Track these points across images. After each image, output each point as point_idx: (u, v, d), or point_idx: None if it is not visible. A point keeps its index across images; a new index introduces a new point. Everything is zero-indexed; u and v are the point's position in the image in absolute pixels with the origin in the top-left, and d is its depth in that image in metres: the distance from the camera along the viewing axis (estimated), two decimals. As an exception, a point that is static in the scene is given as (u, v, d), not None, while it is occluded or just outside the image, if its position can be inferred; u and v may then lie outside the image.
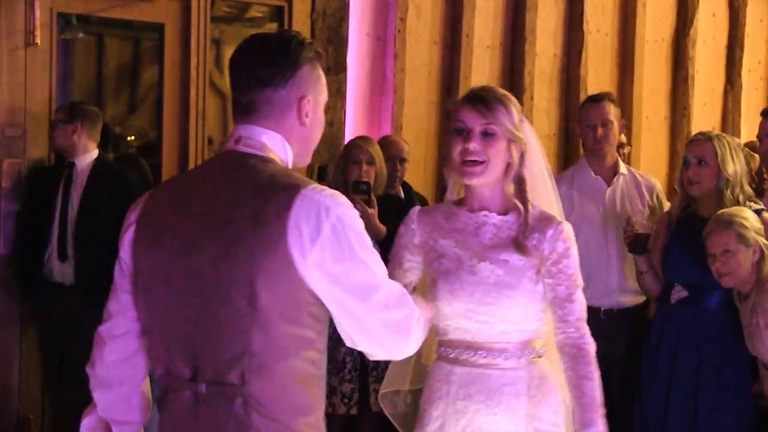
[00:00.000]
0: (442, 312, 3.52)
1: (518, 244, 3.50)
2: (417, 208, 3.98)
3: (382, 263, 2.80)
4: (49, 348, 6.81)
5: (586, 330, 3.55)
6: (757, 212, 5.37)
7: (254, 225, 2.63)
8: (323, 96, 2.95)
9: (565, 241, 3.52)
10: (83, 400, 6.10)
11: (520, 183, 3.58)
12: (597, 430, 3.45)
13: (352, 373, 6.15)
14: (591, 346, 3.54)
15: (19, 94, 6.87)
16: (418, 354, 3.64)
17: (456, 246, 3.59)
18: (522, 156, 3.56)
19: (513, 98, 3.64)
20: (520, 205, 3.55)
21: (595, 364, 3.52)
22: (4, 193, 6.92)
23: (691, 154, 5.49)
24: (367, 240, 2.74)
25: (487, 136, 3.44)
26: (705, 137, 5.61)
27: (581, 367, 3.53)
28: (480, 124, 3.43)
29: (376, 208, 6.01)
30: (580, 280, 3.58)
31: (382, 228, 5.95)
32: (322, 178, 6.86)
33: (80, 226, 6.63)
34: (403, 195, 6.62)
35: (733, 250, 5.07)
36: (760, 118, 6.05)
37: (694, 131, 7.85)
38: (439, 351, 3.67)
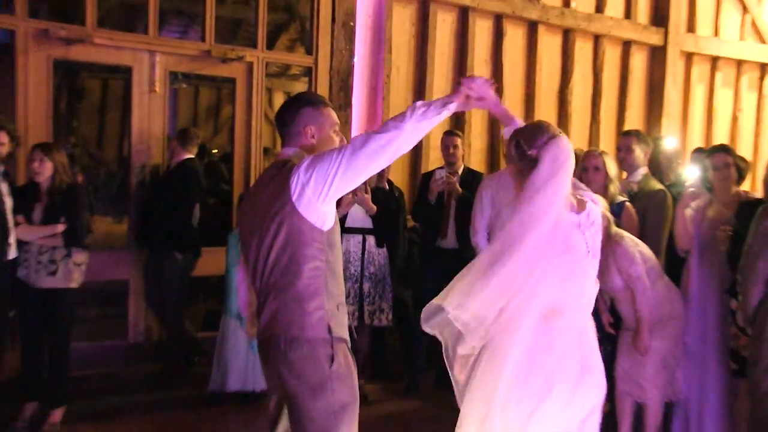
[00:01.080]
0: None
1: None
2: None
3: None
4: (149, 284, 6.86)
5: None
6: (622, 203, 5.32)
7: (275, 195, 3.05)
8: (328, 121, 3.32)
9: None
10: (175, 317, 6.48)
11: None
12: None
13: (354, 299, 6.16)
14: None
15: (144, 123, 6.92)
16: None
17: None
18: None
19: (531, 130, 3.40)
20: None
21: None
22: (135, 186, 6.98)
23: (590, 163, 5.37)
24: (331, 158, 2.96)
25: None
26: (597, 153, 5.48)
27: None
28: None
29: (370, 194, 6.07)
30: None
31: (373, 206, 6.08)
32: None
33: (160, 202, 6.61)
34: (387, 187, 6.39)
35: None
36: (616, 139, 6.01)
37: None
38: None
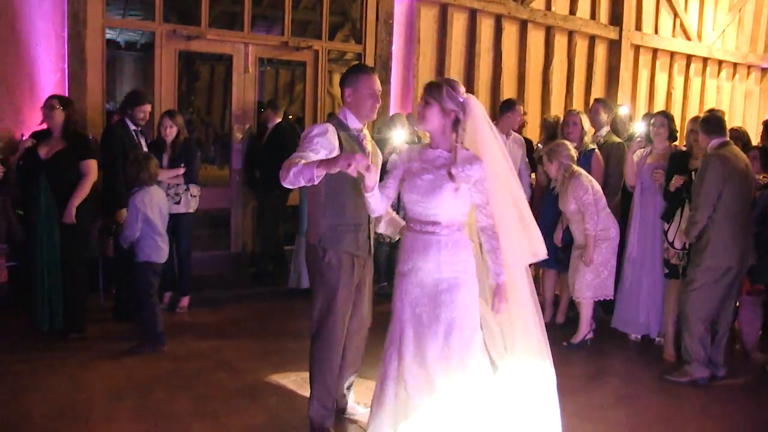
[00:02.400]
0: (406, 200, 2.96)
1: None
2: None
3: (303, 147, 3.01)
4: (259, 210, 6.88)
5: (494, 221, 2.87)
6: (592, 150, 5.32)
7: None
8: (361, 84, 3.19)
9: (481, 173, 2.81)
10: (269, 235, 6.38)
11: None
12: (502, 278, 2.83)
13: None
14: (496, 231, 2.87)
15: (240, 96, 6.89)
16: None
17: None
18: (457, 120, 2.87)
19: (451, 82, 2.91)
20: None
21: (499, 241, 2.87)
22: (236, 142, 6.92)
23: (570, 119, 5.37)
24: (305, 139, 3.06)
25: (426, 104, 2.88)
26: (575, 112, 5.46)
27: (495, 242, 2.86)
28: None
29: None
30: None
31: None
32: (380, 132, 6.75)
33: (265, 153, 6.53)
34: (417, 141, 5.98)
35: (545, 161, 5.06)
36: (585, 107, 5.97)
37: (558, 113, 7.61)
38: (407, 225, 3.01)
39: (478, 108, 2.89)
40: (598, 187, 4.93)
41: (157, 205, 4.66)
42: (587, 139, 5.34)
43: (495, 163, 2.90)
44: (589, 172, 5.13)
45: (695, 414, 4.00)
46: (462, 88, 2.92)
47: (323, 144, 3.05)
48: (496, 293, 2.89)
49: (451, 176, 2.82)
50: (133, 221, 4.53)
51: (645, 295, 5.10)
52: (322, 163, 2.76)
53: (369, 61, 7.40)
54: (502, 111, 6.12)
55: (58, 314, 4.74)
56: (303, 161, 2.84)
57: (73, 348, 4.58)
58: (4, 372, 4.13)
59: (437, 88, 2.88)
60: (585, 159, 5.26)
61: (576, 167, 4.94)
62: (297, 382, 4.08)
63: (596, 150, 5.35)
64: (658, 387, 4.35)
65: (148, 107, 5.27)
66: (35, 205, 4.66)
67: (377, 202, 2.99)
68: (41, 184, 4.64)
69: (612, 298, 5.09)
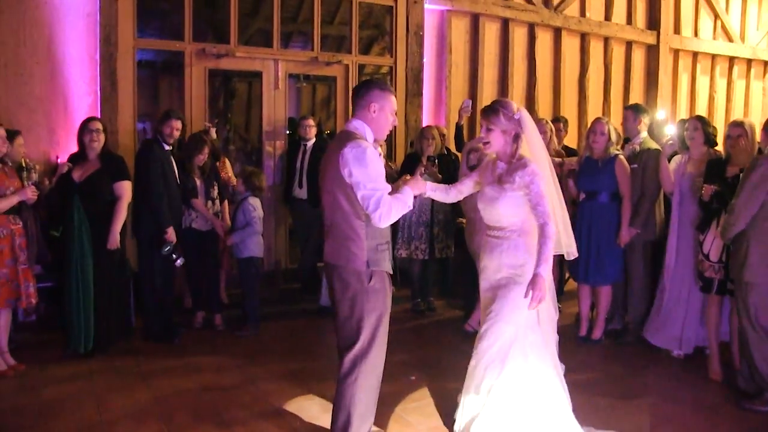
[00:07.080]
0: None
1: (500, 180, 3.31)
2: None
3: (378, 180, 2.92)
4: (298, 227, 6.81)
5: (548, 219, 3.14)
6: (615, 156, 4.98)
7: (334, 161, 2.94)
8: (388, 104, 3.10)
9: (531, 176, 3.20)
10: (311, 252, 6.30)
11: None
12: (542, 269, 3.08)
13: (426, 239, 5.84)
14: (550, 228, 3.14)
15: (271, 111, 6.82)
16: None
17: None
18: (516, 136, 3.25)
19: (505, 104, 3.30)
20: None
21: (550, 239, 3.12)
22: (266, 158, 6.84)
23: (597, 129, 5.03)
24: (372, 167, 2.90)
25: (488, 131, 3.28)
26: (602, 120, 5.11)
27: (542, 239, 3.14)
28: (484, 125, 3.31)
29: (437, 166, 5.73)
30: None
31: (439, 176, 5.65)
32: (411, 146, 6.54)
33: (308, 170, 6.38)
34: (446, 152, 6.03)
35: None
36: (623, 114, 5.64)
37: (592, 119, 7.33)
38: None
39: (529, 120, 3.31)
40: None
41: (259, 209, 5.45)
42: (611, 147, 5.04)
43: (543, 167, 3.28)
44: (613, 180, 4.95)
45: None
46: (514, 105, 3.30)
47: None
48: (531, 283, 3.09)
49: (500, 182, 3.28)
50: (253, 219, 5.34)
51: (689, 309, 4.78)
52: (406, 194, 3.06)
53: (400, 74, 7.27)
54: None
55: (89, 335, 4.71)
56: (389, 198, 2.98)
57: (102, 369, 4.50)
58: (32, 393, 4.08)
59: (494, 114, 3.27)
60: (608, 166, 4.99)
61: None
62: (323, 405, 3.91)
63: (619, 155, 5.03)
64: (703, 408, 4.03)
65: (175, 123, 5.13)
66: (69, 227, 4.64)
67: (443, 195, 3.53)
68: (75, 207, 4.62)
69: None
